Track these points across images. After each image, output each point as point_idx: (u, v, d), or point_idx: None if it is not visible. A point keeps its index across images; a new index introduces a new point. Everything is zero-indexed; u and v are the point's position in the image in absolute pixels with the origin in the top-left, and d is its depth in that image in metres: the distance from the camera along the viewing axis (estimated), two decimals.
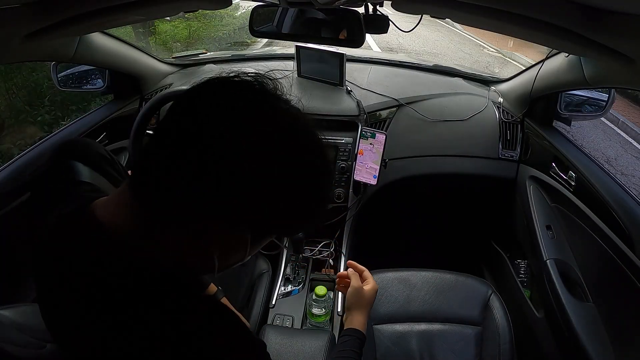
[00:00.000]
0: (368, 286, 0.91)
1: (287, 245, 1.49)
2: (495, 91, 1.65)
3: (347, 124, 1.49)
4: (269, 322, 1.24)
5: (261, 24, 1.05)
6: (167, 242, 0.48)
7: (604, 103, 1.35)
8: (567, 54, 1.15)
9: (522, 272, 1.48)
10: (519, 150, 1.51)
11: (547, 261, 1.24)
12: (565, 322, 1.11)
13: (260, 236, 0.52)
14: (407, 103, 1.54)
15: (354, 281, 0.91)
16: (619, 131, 4.64)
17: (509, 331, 1.12)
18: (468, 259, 1.88)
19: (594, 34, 0.61)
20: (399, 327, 1.17)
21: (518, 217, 1.49)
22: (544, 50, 1.31)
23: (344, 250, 1.47)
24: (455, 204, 1.76)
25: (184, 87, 1.20)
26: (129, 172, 0.63)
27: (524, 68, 1.52)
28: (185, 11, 1.10)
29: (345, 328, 0.88)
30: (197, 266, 0.53)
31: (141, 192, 0.47)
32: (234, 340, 0.51)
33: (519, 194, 1.49)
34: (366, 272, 0.95)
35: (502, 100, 1.58)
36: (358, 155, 1.40)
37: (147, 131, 1.29)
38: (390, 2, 0.80)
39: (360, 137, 1.41)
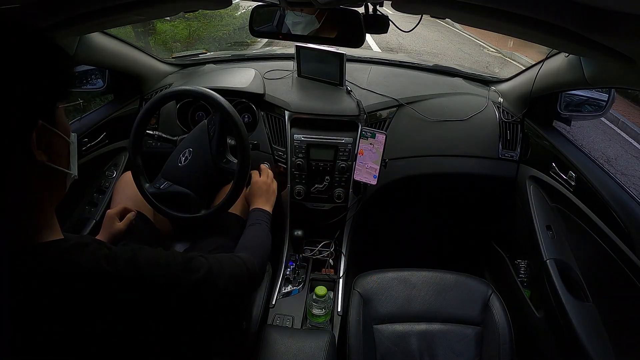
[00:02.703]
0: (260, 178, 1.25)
1: (287, 245, 1.49)
2: (495, 91, 1.65)
3: (347, 124, 1.49)
4: (269, 322, 1.24)
5: (261, 24, 1.05)
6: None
7: (604, 103, 1.35)
8: (567, 54, 1.15)
9: (522, 272, 1.48)
10: (519, 150, 1.51)
11: (547, 261, 1.24)
12: (566, 322, 1.11)
13: (49, 109, 0.55)
14: (407, 103, 1.54)
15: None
16: (619, 131, 4.65)
17: (508, 331, 1.12)
18: (468, 259, 1.88)
19: (594, 34, 0.61)
20: (399, 327, 1.17)
21: (518, 217, 1.49)
22: (544, 50, 1.31)
23: (344, 250, 1.47)
24: (455, 204, 1.76)
25: (184, 87, 1.20)
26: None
27: (524, 68, 1.52)
28: (185, 11, 1.10)
29: (254, 208, 1.16)
30: (58, 188, 0.58)
31: None
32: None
33: (519, 194, 1.49)
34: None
35: (502, 100, 1.58)
36: (358, 155, 1.40)
37: (147, 131, 1.29)
38: (390, 2, 0.80)
39: (360, 137, 1.41)
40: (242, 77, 1.59)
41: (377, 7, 0.93)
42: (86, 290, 0.52)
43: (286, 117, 1.50)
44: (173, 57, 1.90)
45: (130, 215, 1.15)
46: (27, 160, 0.52)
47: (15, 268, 0.50)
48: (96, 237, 1.11)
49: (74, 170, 0.61)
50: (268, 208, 1.18)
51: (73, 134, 0.61)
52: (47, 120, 0.54)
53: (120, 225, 1.12)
